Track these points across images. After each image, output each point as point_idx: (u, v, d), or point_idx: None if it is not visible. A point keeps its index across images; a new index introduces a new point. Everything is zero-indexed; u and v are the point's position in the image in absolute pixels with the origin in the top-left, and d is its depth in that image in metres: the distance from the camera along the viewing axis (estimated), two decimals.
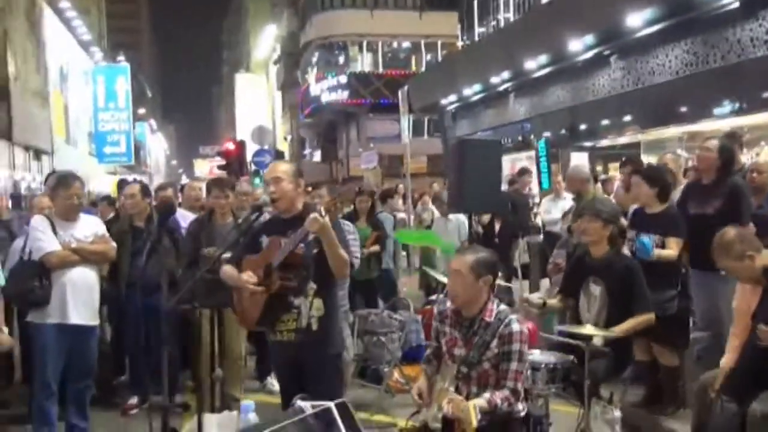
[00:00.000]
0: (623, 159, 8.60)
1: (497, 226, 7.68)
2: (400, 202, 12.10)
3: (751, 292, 3.67)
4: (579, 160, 15.40)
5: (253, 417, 3.67)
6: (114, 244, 5.11)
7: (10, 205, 13.04)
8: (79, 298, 4.72)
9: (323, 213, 3.35)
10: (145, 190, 5.82)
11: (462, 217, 7.98)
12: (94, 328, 4.88)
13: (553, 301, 4.72)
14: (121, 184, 8.13)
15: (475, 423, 3.06)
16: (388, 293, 7.68)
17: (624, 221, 5.99)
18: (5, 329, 4.43)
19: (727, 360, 3.83)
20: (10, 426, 5.31)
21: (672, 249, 4.87)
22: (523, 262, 7.95)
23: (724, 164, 4.93)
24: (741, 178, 5.20)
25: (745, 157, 8.82)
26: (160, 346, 5.51)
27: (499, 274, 5.90)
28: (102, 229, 5.05)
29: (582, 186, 6.36)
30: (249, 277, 3.55)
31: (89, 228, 4.92)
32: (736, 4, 8.53)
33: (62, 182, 4.83)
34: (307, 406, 1.23)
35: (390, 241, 8.15)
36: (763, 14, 8.36)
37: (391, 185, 17.84)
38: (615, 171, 11.46)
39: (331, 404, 1.25)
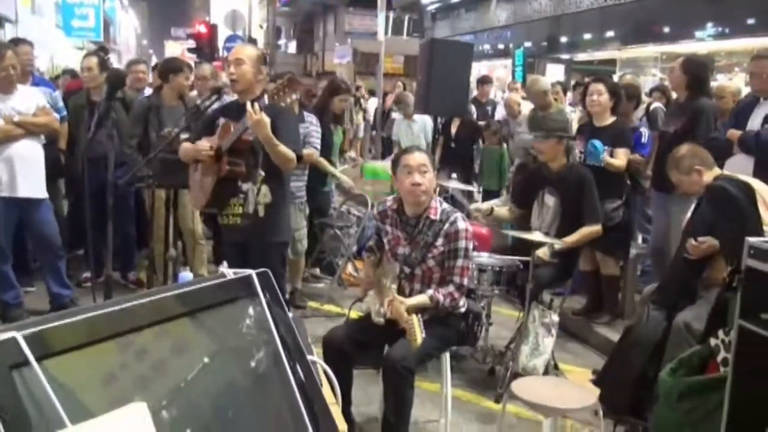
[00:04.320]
0: (575, 82, 8.53)
1: (453, 129, 7.58)
2: None
3: None
4: (555, 71, 15.29)
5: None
6: (56, 115, 4.99)
7: None
8: (26, 170, 4.63)
9: (256, 110, 3.34)
10: (102, 63, 5.63)
11: (426, 118, 7.88)
12: (43, 200, 4.82)
13: (502, 209, 4.81)
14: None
15: (419, 340, 3.05)
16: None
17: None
18: None
19: None
20: None
21: (620, 159, 4.98)
22: None
23: (691, 83, 4.89)
24: (710, 100, 5.16)
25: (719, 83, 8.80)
26: (115, 222, 5.51)
27: (454, 176, 5.96)
28: (43, 100, 4.87)
29: (542, 99, 6.25)
30: (204, 144, 3.58)
31: (30, 99, 4.74)
32: None
33: None
34: (229, 272, 1.26)
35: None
36: None
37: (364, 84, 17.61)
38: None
39: (252, 272, 1.27)
